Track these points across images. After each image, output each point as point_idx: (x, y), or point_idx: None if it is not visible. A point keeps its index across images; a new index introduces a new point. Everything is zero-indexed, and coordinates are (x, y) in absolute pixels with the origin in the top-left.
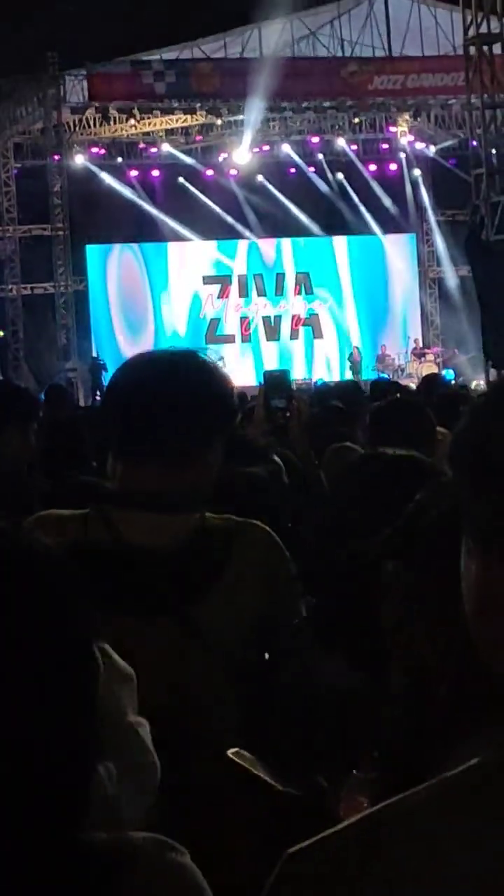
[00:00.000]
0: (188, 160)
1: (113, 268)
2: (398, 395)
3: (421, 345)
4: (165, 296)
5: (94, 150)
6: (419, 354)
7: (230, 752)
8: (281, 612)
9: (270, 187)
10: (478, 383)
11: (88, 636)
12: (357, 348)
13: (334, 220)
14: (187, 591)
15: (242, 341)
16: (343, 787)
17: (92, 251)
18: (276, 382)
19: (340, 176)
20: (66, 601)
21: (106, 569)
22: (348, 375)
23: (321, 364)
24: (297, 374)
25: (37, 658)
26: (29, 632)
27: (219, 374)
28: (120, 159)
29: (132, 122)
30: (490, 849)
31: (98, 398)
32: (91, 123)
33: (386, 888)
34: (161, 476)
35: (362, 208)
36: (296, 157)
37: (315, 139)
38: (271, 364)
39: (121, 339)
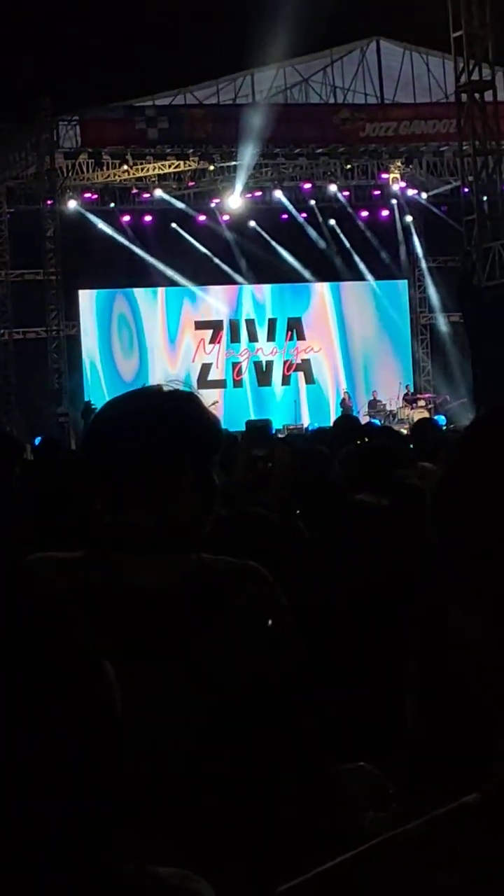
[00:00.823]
0: (180, 205)
1: (105, 313)
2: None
3: (412, 390)
4: (157, 340)
5: (87, 195)
6: (411, 400)
7: None
8: (275, 655)
9: (263, 233)
10: None
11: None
12: (347, 393)
13: (326, 266)
14: (187, 632)
15: (234, 386)
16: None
17: (84, 296)
18: (257, 431)
19: (332, 222)
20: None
21: (108, 611)
22: None
23: (314, 409)
24: (288, 419)
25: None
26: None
27: (193, 407)
28: (112, 204)
29: (125, 167)
30: (482, 890)
31: None
32: (84, 168)
33: None
34: (144, 516)
35: (354, 254)
36: (288, 203)
37: (307, 185)
38: (262, 408)
39: (112, 384)
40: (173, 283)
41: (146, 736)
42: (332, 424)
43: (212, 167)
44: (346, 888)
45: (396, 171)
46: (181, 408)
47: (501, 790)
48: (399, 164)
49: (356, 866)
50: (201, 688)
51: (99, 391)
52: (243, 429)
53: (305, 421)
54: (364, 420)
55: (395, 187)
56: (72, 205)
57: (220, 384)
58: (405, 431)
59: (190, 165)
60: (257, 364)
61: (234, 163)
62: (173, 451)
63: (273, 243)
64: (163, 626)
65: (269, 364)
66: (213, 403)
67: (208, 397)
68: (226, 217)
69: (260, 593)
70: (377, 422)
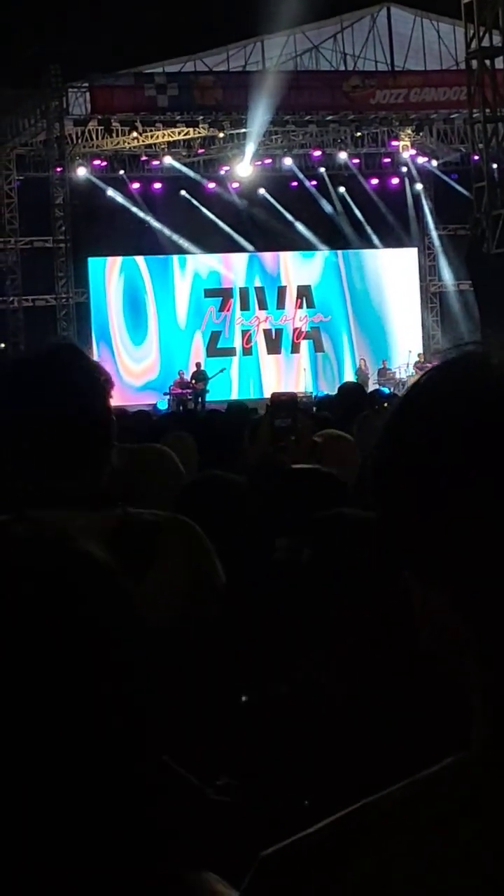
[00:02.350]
0: (190, 173)
1: (114, 280)
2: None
3: (423, 359)
4: (167, 308)
5: (97, 162)
6: (421, 368)
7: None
8: (202, 602)
9: (272, 200)
10: None
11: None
12: (364, 360)
13: (336, 234)
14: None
15: (243, 354)
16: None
17: (94, 263)
18: (282, 403)
19: (342, 190)
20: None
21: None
22: None
23: (323, 377)
24: (298, 387)
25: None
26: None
27: (91, 374)
28: (122, 172)
29: (134, 134)
30: (461, 852)
31: None
32: (93, 136)
33: (360, 891)
34: (70, 482)
35: (364, 222)
36: (297, 171)
37: (317, 153)
38: (272, 377)
39: (121, 352)
40: (183, 251)
41: None
42: (336, 392)
43: (221, 134)
44: (331, 851)
45: (406, 139)
46: (74, 385)
47: (482, 752)
48: (409, 131)
49: (341, 829)
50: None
51: (108, 359)
52: (258, 397)
53: (318, 387)
54: (373, 388)
55: (405, 155)
56: (81, 172)
57: (230, 352)
58: None
59: (200, 133)
60: (267, 332)
61: (243, 130)
62: (87, 422)
63: (283, 211)
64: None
65: (279, 332)
66: (221, 371)
67: (217, 365)
68: (235, 184)
69: (189, 544)
70: (386, 390)
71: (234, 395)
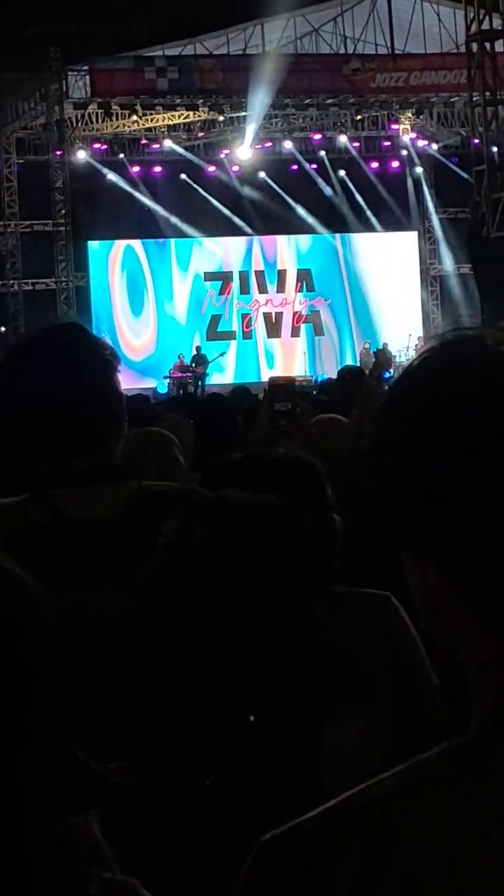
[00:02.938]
0: (190, 156)
1: (114, 264)
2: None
3: (424, 343)
4: (166, 292)
5: (97, 145)
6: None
7: None
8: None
9: (272, 184)
10: None
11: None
12: (367, 343)
13: (336, 218)
14: (131, 558)
15: (243, 338)
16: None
17: (93, 247)
18: (280, 387)
19: (342, 173)
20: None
21: (52, 546)
22: None
23: (323, 361)
24: (298, 371)
25: None
26: None
27: (95, 350)
28: (122, 155)
29: (134, 117)
30: (461, 833)
31: None
32: (93, 119)
33: (361, 875)
34: (84, 460)
35: (364, 205)
36: (297, 154)
37: (317, 136)
38: (271, 360)
39: (122, 336)
40: (183, 234)
41: (93, 662)
42: (337, 375)
43: (221, 118)
44: (332, 835)
45: (407, 122)
46: (90, 364)
47: (482, 735)
48: (409, 114)
49: (341, 813)
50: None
51: (108, 342)
52: (257, 381)
53: (318, 371)
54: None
55: (406, 138)
56: (81, 155)
57: (230, 336)
58: None
59: (200, 116)
60: (267, 315)
61: (243, 113)
62: (97, 400)
63: (283, 194)
64: (106, 555)
65: (279, 315)
66: (221, 354)
67: (216, 349)
68: (235, 168)
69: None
70: (387, 374)
71: (234, 379)
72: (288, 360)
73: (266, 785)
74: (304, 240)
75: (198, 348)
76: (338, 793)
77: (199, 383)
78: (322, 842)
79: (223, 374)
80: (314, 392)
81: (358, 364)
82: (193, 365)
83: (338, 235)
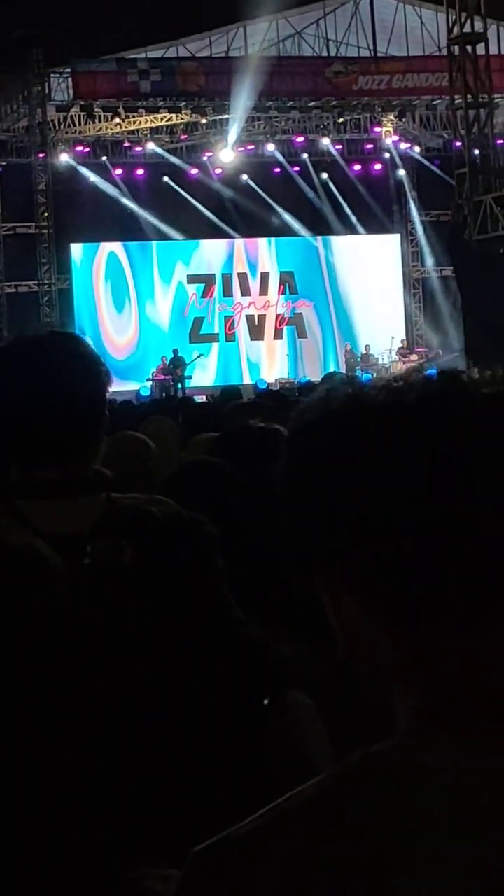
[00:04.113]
0: (173, 159)
1: (97, 266)
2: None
3: (406, 345)
4: (149, 294)
5: (79, 148)
6: (404, 354)
7: None
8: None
9: (255, 187)
10: None
11: None
12: (349, 345)
13: (318, 220)
14: (100, 573)
15: (226, 340)
16: None
17: (76, 249)
18: None
19: (325, 176)
20: None
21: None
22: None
23: (306, 363)
24: (280, 373)
25: None
26: None
27: (90, 361)
28: (104, 158)
29: (117, 120)
30: (373, 843)
31: None
32: (76, 121)
33: (279, 885)
34: (58, 470)
35: (346, 208)
36: (280, 157)
37: (300, 139)
38: (255, 363)
39: (105, 338)
40: (165, 237)
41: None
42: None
43: (204, 120)
44: (255, 842)
45: (389, 125)
46: (80, 370)
47: (409, 738)
48: (392, 117)
49: (264, 821)
50: (120, 625)
51: (91, 345)
52: (239, 383)
53: (298, 374)
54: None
55: (388, 141)
56: (63, 158)
57: (212, 338)
58: None
59: (182, 118)
60: (250, 318)
61: (226, 116)
62: (85, 415)
63: (265, 197)
64: (75, 570)
65: (262, 318)
66: (199, 356)
67: (200, 351)
68: (218, 170)
69: (171, 528)
70: (368, 376)
71: (216, 382)
72: (271, 362)
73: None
74: (287, 242)
75: (174, 351)
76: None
77: (180, 386)
78: (247, 849)
79: (205, 376)
80: (296, 394)
81: (342, 366)
82: (171, 367)
83: (320, 238)
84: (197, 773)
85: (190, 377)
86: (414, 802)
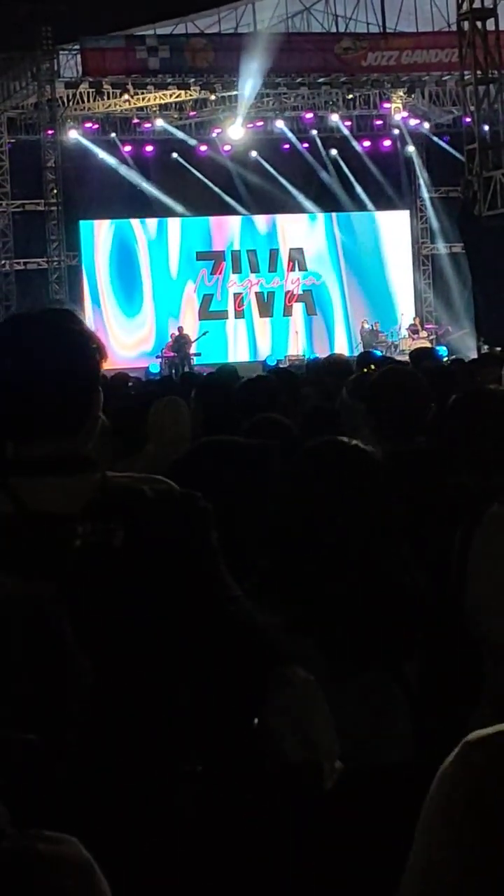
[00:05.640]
0: (182, 135)
1: (106, 243)
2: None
3: (418, 322)
4: (158, 271)
5: (88, 125)
6: (414, 331)
7: None
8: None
9: (264, 163)
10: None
11: None
12: (365, 321)
13: (328, 197)
14: (94, 553)
15: (236, 317)
16: None
17: (85, 226)
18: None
19: (334, 152)
20: None
21: (13, 538)
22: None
23: (315, 340)
24: (291, 350)
25: None
26: None
27: (83, 337)
28: (113, 134)
29: (126, 97)
30: None
31: None
32: (85, 98)
33: None
34: (51, 446)
35: (356, 184)
36: (289, 133)
37: (309, 115)
38: (264, 340)
39: (113, 315)
40: (174, 214)
41: (61, 657)
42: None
43: (213, 97)
44: None
45: (398, 101)
46: (75, 347)
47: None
48: (401, 93)
49: None
50: (113, 606)
51: (99, 321)
52: (248, 360)
53: (306, 351)
54: (363, 350)
55: (397, 117)
56: (72, 135)
57: (221, 315)
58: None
59: (191, 95)
60: (259, 295)
61: (235, 92)
62: (80, 392)
63: (274, 173)
64: (69, 549)
65: (271, 295)
66: (204, 333)
67: (204, 328)
68: (227, 147)
69: (163, 506)
70: (378, 352)
71: (226, 359)
72: (280, 339)
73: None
74: (296, 219)
75: (180, 328)
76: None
77: (186, 363)
78: None
79: (214, 353)
80: (304, 371)
81: (358, 343)
82: (178, 345)
83: (330, 214)
84: (192, 755)
85: (199, 354)
86: None
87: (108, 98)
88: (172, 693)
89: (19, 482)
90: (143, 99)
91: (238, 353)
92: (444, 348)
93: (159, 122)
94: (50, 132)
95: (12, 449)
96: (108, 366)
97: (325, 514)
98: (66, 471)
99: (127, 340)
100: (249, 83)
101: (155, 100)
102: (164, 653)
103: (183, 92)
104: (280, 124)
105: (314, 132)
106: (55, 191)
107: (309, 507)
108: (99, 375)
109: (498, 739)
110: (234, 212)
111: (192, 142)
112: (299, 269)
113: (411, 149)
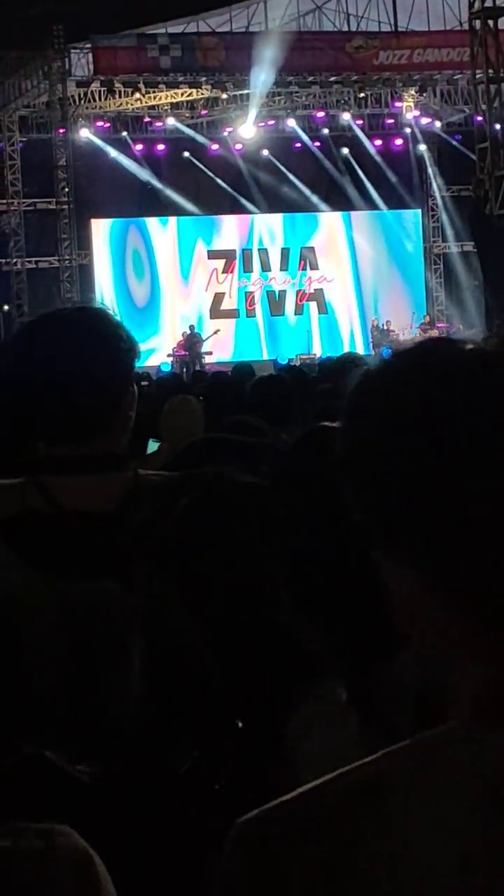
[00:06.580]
0: (193, 134)
1: (117, 242)
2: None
3: (429, 321)
4: (169, 270)
5: (99, 123)
6: (425, 330)
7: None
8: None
9: (275, 162)
10: None
11: None
12: (376, 320)
13: (339, 195)
14: (126, 551)
15: (247, 316)
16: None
17: (96, 225)
18: None
19: (346, 151)
20: None
21: (47, 536)
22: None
23: (326, 339)
24: (301, 349)
25: None
26: None
27: (116, 337)
28: (125, 133)
29: (137, 95)
30: (456, 812)
31: None
32: (96, 97)
33: (343, 852)
34: (84, 445)
35: (367, 183)
36: (301, 132)
37: (320, 114)
38: (275, 339)
39: (125, 314)
40: (186, 213)
41: (87, 655)
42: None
43: (225, 95)
44: (311, 819)
45: (410, 100)
46: (108, 344)
47: (474, 721)
48: (413, 92)
49: (322, 796)
50: (142, 606)
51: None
52: (259, 359)
53: (318, 351)
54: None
55: (409, 116)
56: (84, 133)
57: (232, 314)
58: None
59: (203, 94)
60: (270, 294)
61: (246, 91)
62: (111, 391)
63: (286, 172)
64: (101, 548)
65: (282, 294)
66: (215, 332)
67: (215, 327)
68: (238, 146)
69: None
70: (388, 350)
71: (236, 357)
72: (292, 338)
73: (240, 769)
74: (308, 218)
75: (191, 327)
76: (308, 777)
77: (197, 362)
78: (307, 824)
79: (225, 352)
80: (316, 370)
81: (369, 341)
82: (189, 344)
83: (341, 213)
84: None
85: (210, 353)
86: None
87: (120, 97)
88: (205, 691)
89: (53, 481)
90: (155, 98)
91: (249, 351)
92: None
93: (171, 121)
94: (61, 131)
95: (45, 448)
96: None
97: (325, 510)
98: (99, 469)
99: (138, 339)
100: (261, 82)
101: (166, 98)
102: (204, 655)
103: (194, 91)
104: (291, 123)
105: (326, 131)
106: (66, 189)
107: (310, 502)
108: (132, 374)
109: (275, 814)
110: (245, 210)
111: (204, 141)
112: (311, 268)
113: (423, 147)
